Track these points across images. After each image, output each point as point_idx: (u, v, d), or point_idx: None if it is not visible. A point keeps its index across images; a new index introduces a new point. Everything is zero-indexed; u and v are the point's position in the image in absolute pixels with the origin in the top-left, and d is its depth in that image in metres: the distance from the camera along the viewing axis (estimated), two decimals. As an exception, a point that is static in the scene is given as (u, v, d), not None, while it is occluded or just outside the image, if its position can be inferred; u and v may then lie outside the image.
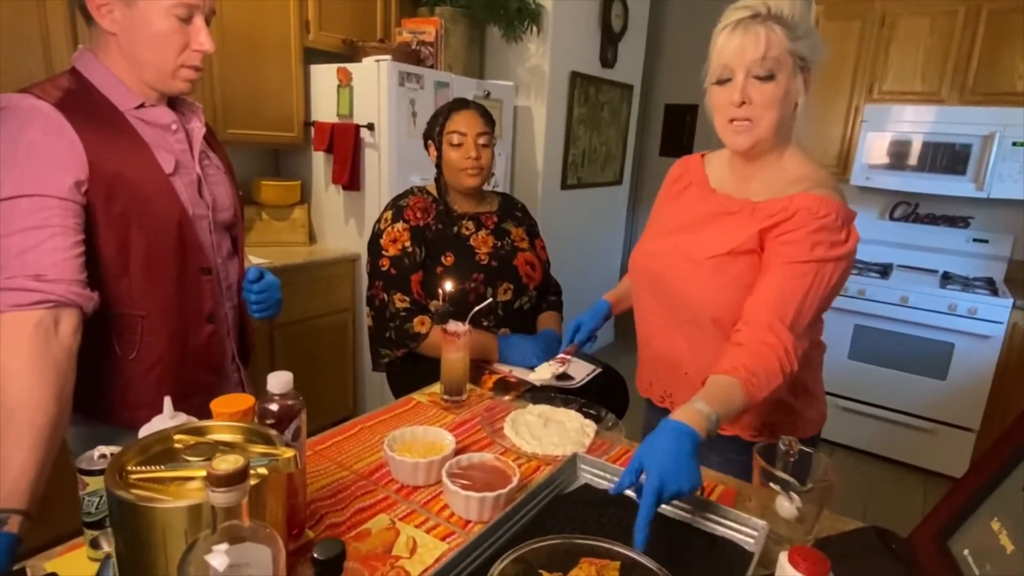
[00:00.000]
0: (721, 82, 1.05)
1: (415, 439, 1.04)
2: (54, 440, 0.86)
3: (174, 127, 1.11)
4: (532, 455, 1.08)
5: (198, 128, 1.17)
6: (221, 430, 0.74)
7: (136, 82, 1.06)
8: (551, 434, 1.12)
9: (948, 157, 2.89)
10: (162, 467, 0.66)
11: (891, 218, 3.38)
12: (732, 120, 1.05)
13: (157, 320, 1.09)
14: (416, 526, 0.87)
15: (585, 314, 1.42)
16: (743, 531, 0.85)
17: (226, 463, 0.52)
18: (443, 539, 0.85)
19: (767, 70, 1.00)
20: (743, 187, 1.13)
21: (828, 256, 1.01)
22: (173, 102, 1.15)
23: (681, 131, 5.08)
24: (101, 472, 0.74)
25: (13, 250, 0.90)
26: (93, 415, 1.09)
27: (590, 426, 1.16)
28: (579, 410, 1.23)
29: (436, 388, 1.32)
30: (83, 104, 1.01)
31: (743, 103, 1.02)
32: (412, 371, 1.51)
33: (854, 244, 1.03)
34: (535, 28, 3.19)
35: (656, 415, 1.30)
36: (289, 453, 0.67)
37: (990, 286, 2.87)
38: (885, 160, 3.04)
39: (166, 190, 1.06)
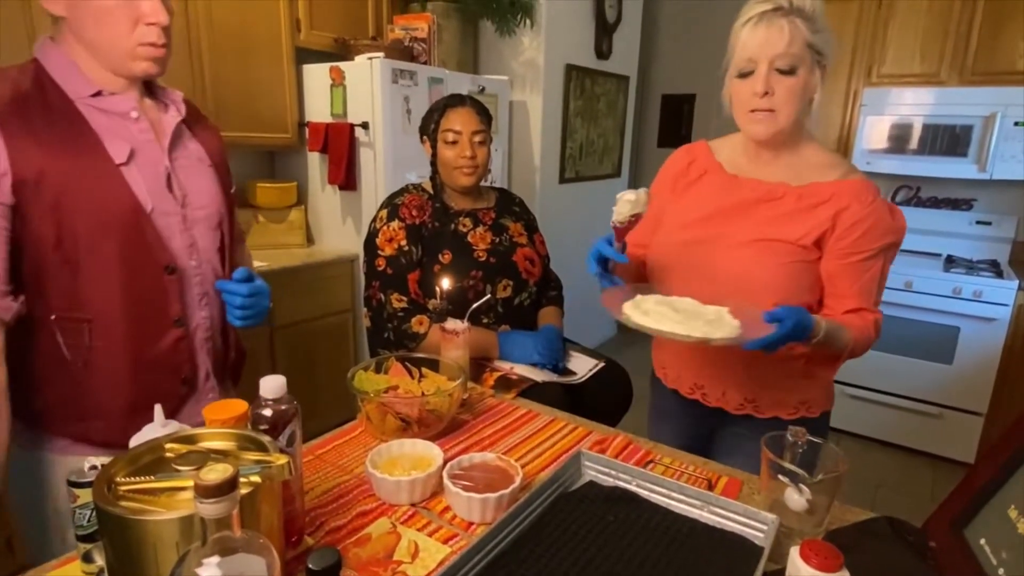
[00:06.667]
0: (744, 75, 1.07)
1: (402, 453, 0.98)
2: None
3: (134, 115, 1.03)
4: (671, 334, 0.94)
5: (172, 117, 1.09)
6: (213, 437, 0.72)
7: (97, 69, 1.00)
8: (678, 315, 0.99)
9: (949, 139, 2.86)
10: (152, 477, 0.64)
11: (893, 202, 3.35)
12: (753, 111, 1.08)
13: (108, 324, 1.01)
14: (418, 529, 0.85)
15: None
16: (752, 525, 0.83)
17: (214, 472, 0.50)
18: (445, 542, 0.83)
19: (789, 64, 1.03)
20: (765, 172, 1.15)
21: (889, 241, 1.10)
22: (152, 91, 1.09)
23: (679, 121, 5.04)
24: (91, 484, 0.72)
25: None
26: (40, 426, 1.04)
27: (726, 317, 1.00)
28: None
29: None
30: (22, 95, 0.96)
31: (766, 94, 1.05)
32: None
33: (903, 220, 1.11)
34: (528, 21, 3.16)
35: (679, 405, 1.28)
36: (282, 460, 0.65)
37: (994, 268, 2.85)
38: (885, 144, 3.01)
39: (113, 181, 0.99)
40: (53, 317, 0.99)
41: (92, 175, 0.97)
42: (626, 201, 1.05)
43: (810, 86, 1.06)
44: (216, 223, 1.15)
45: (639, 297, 1.06)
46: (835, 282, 1.11)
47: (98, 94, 1.00)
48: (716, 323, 0.98)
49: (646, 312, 1.01)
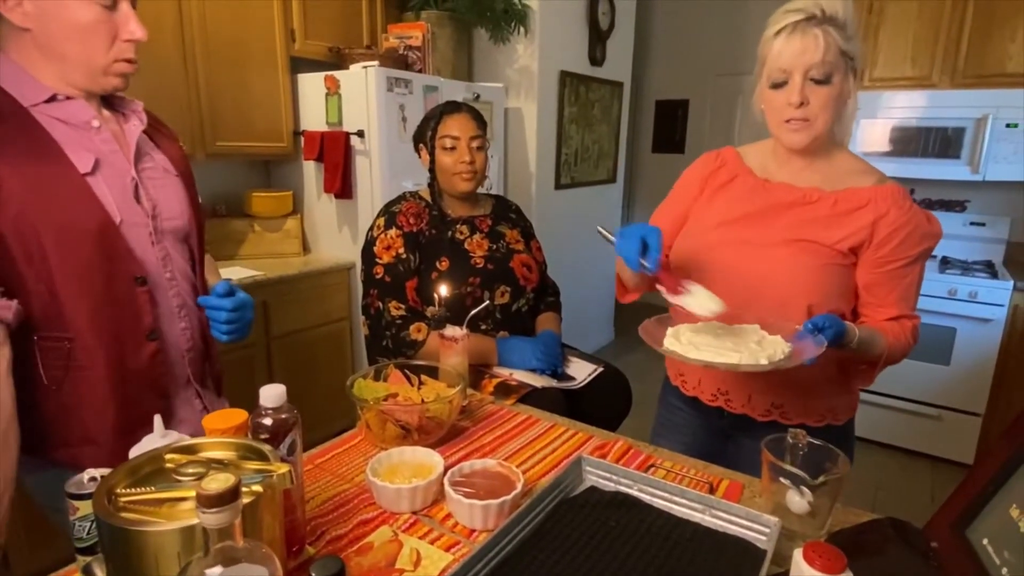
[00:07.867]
0: (777, 85, 1.06)
1: (402, 461, 0.97)
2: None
3: (95, 124, 0.99)
4: (707, 363, 0.95)
5: (135, 127, 1.06)
6: (214, 447, 0.71)
7: (52, 76, 0.95)
8: (724, 340, 0.99)
9: (942, 141, 2.88)
10: (152, 488, 0.64)
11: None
12: (788, 120, 1.07)
13: (88, 342, 0.98)
14: (420, 537, 0.85)
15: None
16: (755, 528, 0.83)
17: (216, 482, 0.50)
18: (447, 549, 0.82)
19: (824, 73, 1.03)
20: (798, 178, 1.15)
21: (927, 247, 1.11)
22: (110, 101, 1.05)
23: (673, 126, 5.08)
24: (90, 496, 0.72)
25: None
26: (36, 452, 0.99)
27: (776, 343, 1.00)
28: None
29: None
30: None
31: (801, 104, 1.04)
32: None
33: (940, 226, 1.12)
34: (522, 29, 3.18)
35: (695, 417, 1.27)
36: (284, 469, 0.65)
37: (989, 269, 2.86)
38: (878, 147, 3.02)
39: (80, 191, 0.95)
40: (36, 338, 0.95)
41: (56, 186, 0.93)
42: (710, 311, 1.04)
43: (844, 93, 1.06)
44: (184, 235, 1.12)
45: (671, 329, 1.06)
46: (874, 291, 1.11)
47: (53, 98, 0.96)
48: (763, 344, 0.99)
49: (690, 343, 1.00)
